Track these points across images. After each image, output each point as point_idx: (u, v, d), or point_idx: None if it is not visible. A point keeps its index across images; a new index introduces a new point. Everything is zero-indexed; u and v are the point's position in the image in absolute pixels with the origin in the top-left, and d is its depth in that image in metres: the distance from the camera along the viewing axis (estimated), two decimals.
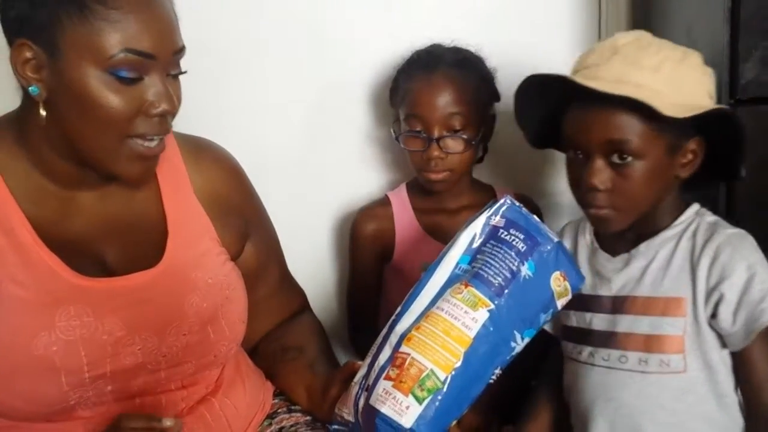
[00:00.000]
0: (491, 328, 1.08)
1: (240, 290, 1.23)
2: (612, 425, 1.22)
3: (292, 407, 1.32)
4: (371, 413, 1.05)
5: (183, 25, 1.08)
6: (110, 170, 1.08)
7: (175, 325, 1.13)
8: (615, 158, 1.14)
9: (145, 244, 1.14)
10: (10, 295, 1.04)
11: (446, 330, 1.07)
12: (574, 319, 1.28)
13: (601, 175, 1.15)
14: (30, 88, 1.02)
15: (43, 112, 1.02)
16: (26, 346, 1.04)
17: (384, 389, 1.05)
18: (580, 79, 1.15)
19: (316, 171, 1.73)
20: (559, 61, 1.71)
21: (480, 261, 1.12)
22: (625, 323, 1.21)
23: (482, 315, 1.07)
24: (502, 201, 1.17)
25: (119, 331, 1.09)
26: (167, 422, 1.03)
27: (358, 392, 1.10)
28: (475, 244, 1.14)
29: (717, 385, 1.18)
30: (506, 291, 1.09)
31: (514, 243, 1.12)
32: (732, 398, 1.19)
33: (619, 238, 1.23)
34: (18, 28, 1.01)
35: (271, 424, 1.30)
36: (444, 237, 1.56)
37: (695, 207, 1.22)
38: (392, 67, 1.61)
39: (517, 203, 1.18)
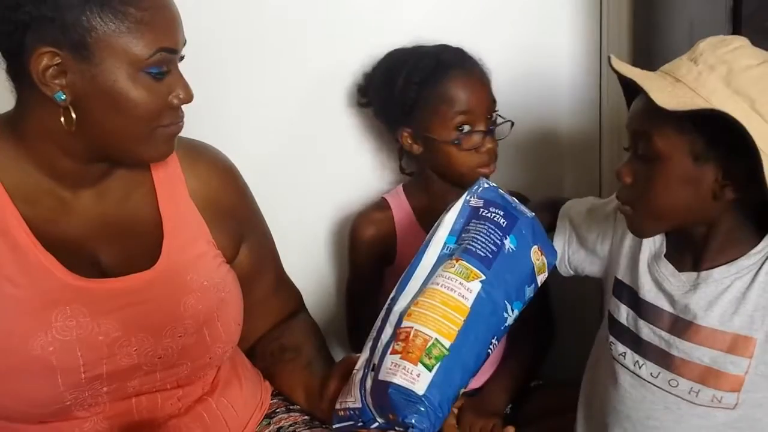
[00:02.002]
0: (485, 297, 1.11)
1: (235, 292, 1.23)
2: None
3: (291, 407, 1.32)
4: (382, 387, 1.06)
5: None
6: (140, 157, 1.11)
7: (170, 326, 1.13)
8: (642, 153, 1.08)
9: (141, 246, 1.14)
10: (6, 295, 1.04)
11: (444, 301, 1.09)
12: (624, 316, 1.22)
13: (627, 168, 1.10)
14: (55, 95, 1.01)
15: (72, 116, 1.02)
16: (23, 347, 1.04)
17: (392, 362, 1.07)
18: (619, 65, 1.10)
19: (314, 169, 1.73)
20: (560, 61, 1.73)
21: (466, 238, 1.16)
22: (683, 348, 1.14)
23: (476, 285, 1.11)
24: (478, 183, 1.22)
25: (115, 332, 1.09)
26: None
27: (363, 375, 1.11)
28: (459, 225, 1.18)
29: (760, 421, 1.13)
30: (494, 262, 1.13)
31: (495, 219, 1.17)
32: None
33: (682, 250, 1.16)
34: (36, 35, 0.99)
35: (269, 424, 1.30)
36: None
37: None
38: None
39: (492, 183, 1.23)
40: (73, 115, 1.03)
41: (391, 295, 1.16)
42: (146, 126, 1.06)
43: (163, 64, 1.04)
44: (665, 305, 1.16)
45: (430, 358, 1.06)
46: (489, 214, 1.17)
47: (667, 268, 1.17)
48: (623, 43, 1.65)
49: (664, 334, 1.16)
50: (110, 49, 1.00)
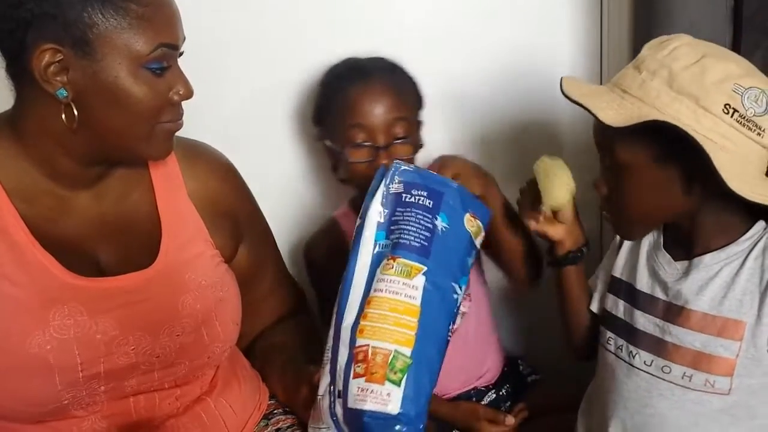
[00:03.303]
0: (432, 289, 1.08)
1: (233, 292, 1.23)
2: (640, 428, 1.20)
3: (288, 408, 1.32)
4: (355, 415, 1.04)
5: None
6: (141, 154, 1.11)
7: (168, 325, 1.13)
8: (606, 162, 1.14)
9: (139, 245, 1.14)
10: (4, 294, 1.04)
11: (393, 308, 1.06)
12: (621, 310, 1.24)
13: (601, 177, 1.16)
14: (58, 92, 1.01)
15: (74, 112, 1.02)
16: (20, 345, 1.04)
17: (358, 387, 1.04)
18: (568, 82, 1.16)
19: (313, 167, 1.73)
20: (560, 61, 1.72)
21: (396, 231, 1.11)
22: (676, 334, 1.16)
23: (419, 280, 1.07)
24: (392, 167, 1.16)
25: (113, 331, 1.09)
26: None
27: (330, 402, 1.08)
28: (384, 218, 1.13)
29: (754, 409, 1.14)
30: (431, 249, 1.09)
31: (420, 202, 1.12)
32: (764, 421, 1.15)
33: (676, 240, 1.19)
34: (38, 32, 0.99)
35: (267, 425, 1.30)
36: None
37: (763, 222, 1.14)
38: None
39: (404, 163, 1.17)
40: (75, 112, 1.02)
41: (335, 310, 1.12)
42: (147, 122, 1.06)
43: (164, 59, 1.04)
44: (659, 293, 1.19)
45: (395, 372, 1.03)
46: (413, 199, 1.12)
47: (664, 258, 1.20)
48: (623, 43, 1.65)
49: (658, 321, 1.18)
50: (111, 45, 1.00)
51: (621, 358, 1.23)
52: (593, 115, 1.09)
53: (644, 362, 1.18)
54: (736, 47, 1.31)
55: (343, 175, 1.50)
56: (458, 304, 1.12)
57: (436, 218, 1.11)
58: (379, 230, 1.13)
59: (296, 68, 1.66)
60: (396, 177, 1.15)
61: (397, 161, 1.18)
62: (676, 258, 1.19)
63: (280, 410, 1.32)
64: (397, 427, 1.02)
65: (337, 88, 1.49)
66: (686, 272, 1.16)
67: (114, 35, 1.00)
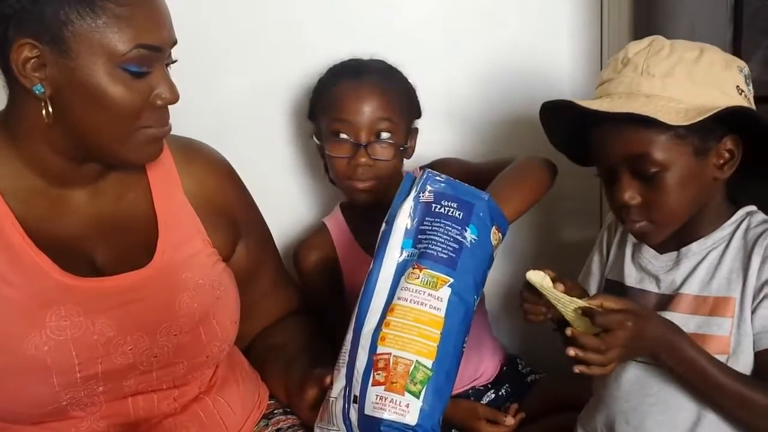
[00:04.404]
0: (457, 301, 1.08)
1: (231, 291, 1.23)
2: (642, 419, 1.19)
3: (289, 408, 1.31)
4: (372, 423, 1.04)
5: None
6: (123, 158, 1.09)
7: (166, 325, 1.13)
8: (641, 172, 1.12)
9: (136, 245, 1.14)
10: (0, 295, 1.04)
11: (417, 318, 1.06)
12: None
13: (629, 190, 1.14)
14: (34, 87, 1.01)
15: (49, 109, 1.02)
16: (17, 347, 1.04)
17: (377, 396, 1.04)
18: (586, 103, 1.14)
19: (311, 168, 1.72)
20: (560, 62, 1.72)
21: (424, 241, 1.10)
22: (671, 320, 1.16)
23: (445, 292, 1.07)
24: (423, 176, 1.15)
25: (110, 331, 1.08)
26: None
27: (344, 406, 1.07)
28: (413, 226, 1.12)
29: None
30: (459, 261, 1.08)
31: (450, 213, 1.11)
32: None
33: (673, 232, 1.20)
34: (17, 28, 1.00)
35: (267, 425, 1.30)
36: None
37: (747, 208, 1.19)
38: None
39: (435, 172, 1.16)
40: (50, 108, 1.02)
41: (355, 313, 1.12)
42: (126, 125, 1.05)
43: (143, 61, 1.03)
44: (651, 287, 1.21)
45: (415, 383, 1.03)
46: (443, 210, 1.11)
47: (648, 252, 1.22)
48: (623, 44, 1.61)
49: None
50: (87, 44, 1.00)
51: None
52: (635, 121, 1.08)
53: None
54: (736, 47, 1.30)
55: (331, 174, 1.51)
56: (472, 316, 1.11)
57: (466, 230, 1.10)
58: (406, 238, 1.12)
59: (294, 69, 1.66)
60: (427, 186, 1.14)
61: (430, 171, 1.16)
62: (662, 251, 1.21)
63: (281, 410, 1.32)
64: None
65: (329, 83, 1.50)
66: (677, 262, 1.19)
67: (89, 34, 1.00)
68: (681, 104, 1.10)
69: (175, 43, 1.08)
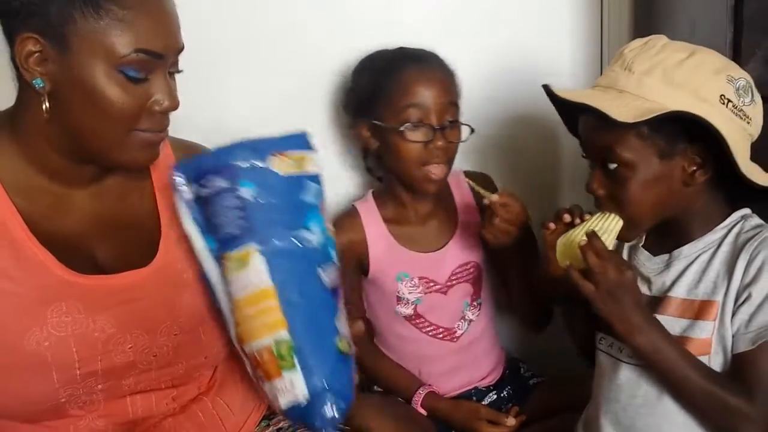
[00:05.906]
0: (274, 260, 1.03)
1: None
2: (633, 420, 1.20)
3: None
4: (288, 416, 1.06)
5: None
6: (116, 160, 1.08)
7: (166, 324, 1.13)
8: (606, 166, 1.15)
9: (138, 243, 1.14)
10: (2, 290, 1.04)
11: (250, 301, 1.03)
12: None
13: (596, 182, 1.17)
14: (34, 81, 1.01)
15: (46, 104, 1.02)
16: (18, 342, 1.04)
17: (269, 390, 1.04)
18: (557, 90, 1.18)
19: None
20: (560, 61, 1.72)
21: (215, 229, 1.06)
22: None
23: (258, 261, 1.02)
24: (171, 179, 1.09)
25: (110, 329, 1.08)
26: None
27: (280, 413, 1.09)
28: (199, 222, 1.08)
29: None
30: (252, 223, 1.03)
31: (215, 185, 1.04)
32: None
33: (660, 237, 1.22)
34: (23, 22, 1.00)
35: (268, 426, 1.29)
36: (417, 245, 1.55)
37: (742, 211, 1.19)
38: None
39: (180, 163, 1.11)
40: (47, 103, 1.02)
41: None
42: (120, 127, 1.04)
43: (143, 66, 1.03)
44: (644, 289, 1.21)
45: (284, 359, 1.01)
46: (209, 189, 1.05)
47: (643, 254, 1.24)
48: (623, 44, 1.61)
49: None
50: (88, 43, 1.00)
51: (611, 355, 1.24)
52: (599, 114, 1.10)
53: (628, 354, 1.20)
54: (736, 47, 1.31)
55: (390, 159, 1.50)
56: (318, 243, 1.07)
57: (238, 190, 1.03)
58: (205, 240, 1.08)
59: (294, 70, 1.66)
60: (181, 185, 1.08)
61: (175, 169, 1.09)
62: (655, 253, 1.22)
63: None
64: (315, 408, 1.01)
65: (389, 70, 1.50)
66: (668, 265, 1.20)
67: (91, 34, 1.00)
68: (646, 103, 1.10)
69: (180, 50, 1.08)
